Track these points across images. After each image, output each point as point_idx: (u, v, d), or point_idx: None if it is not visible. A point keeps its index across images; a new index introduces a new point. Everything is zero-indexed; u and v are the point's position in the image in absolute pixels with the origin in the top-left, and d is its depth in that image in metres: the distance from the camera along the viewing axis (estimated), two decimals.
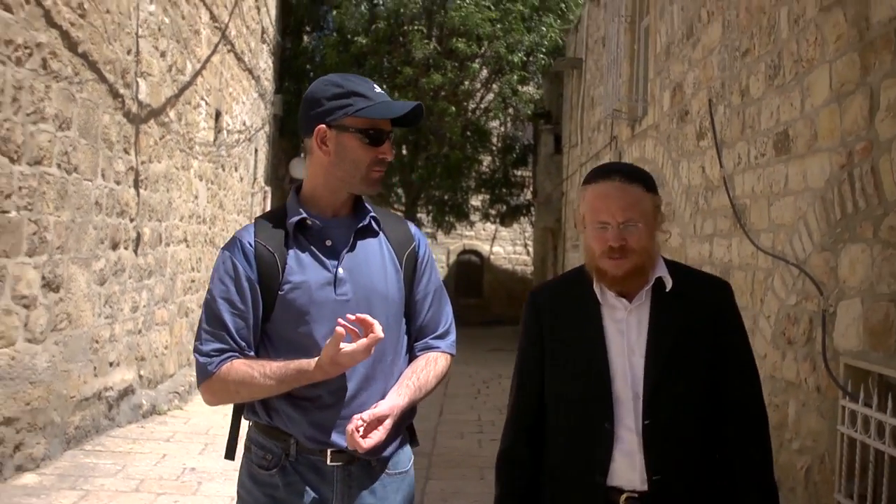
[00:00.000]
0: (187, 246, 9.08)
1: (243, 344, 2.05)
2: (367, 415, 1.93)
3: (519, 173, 19.50)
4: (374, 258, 2.12)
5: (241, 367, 2.00)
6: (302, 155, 18.05)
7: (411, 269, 2.18)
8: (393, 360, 2.12)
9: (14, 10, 4.94)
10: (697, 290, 2.11)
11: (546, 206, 17.69)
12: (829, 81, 4.82)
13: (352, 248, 2.09)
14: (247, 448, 2.13)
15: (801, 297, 4.98)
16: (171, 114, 8.17)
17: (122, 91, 6.72)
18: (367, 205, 2.17)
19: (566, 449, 2.09)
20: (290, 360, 2.00)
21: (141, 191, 7.33)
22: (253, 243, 2.06)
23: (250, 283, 2.04)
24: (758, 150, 5.93)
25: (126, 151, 6.93)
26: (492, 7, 15.07)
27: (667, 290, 2.08)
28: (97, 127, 6.29)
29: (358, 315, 1.94)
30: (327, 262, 2.07)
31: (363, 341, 1.91)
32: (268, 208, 12.32)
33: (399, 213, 20.40)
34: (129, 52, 6.85)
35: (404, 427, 2.17)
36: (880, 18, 4.23)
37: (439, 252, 27.08)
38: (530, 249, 23.01)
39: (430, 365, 2.15)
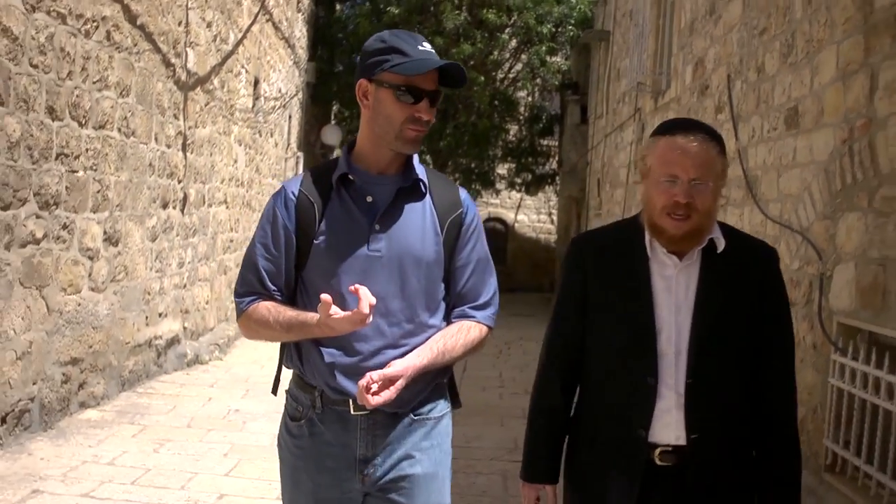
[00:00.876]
0: (227, 207, 9.58)
1: (273, 288, 2.11)
2: (378, 374, 1.96)
3: (545, 143, 19.80)
4: (414, 219, 2.11)
5: (262, 309, 2.08)
6: (333, 121, 18.48)
7: (454, 235, 2.15)
8: (425, 321, 2.12)
9: None
10: (747, 253, 2.09)
11: (571, 175, 18.00)
12: (836, 61, 5.15)
13: (392, 207, 2.09)
14: (286, 398, 2.20)
15: (804, 262, 5.36)
16: (216, 81, 8.62)
17: (173, 60, 7.18)
18: (417, 166, 2.17)
19: (605, 401, 2.09)
20: (301, 312, 2.06)
21: (188, 154, 7.81)
22: (296, 192, 2.10)
23: (286, 231, 2.09)
24: (770, 124, 6.27)
25: (175, 117, 7.41)
26: None
27: (718, 251, 2.05)
28: (152, 94, 6.76)
29: (354, 286, 1.94)
30: (365, 217, 2.08)
31: (347, 314, 1.92)
32: (300, 173, 12.73)
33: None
34: (179, 24, 7.30)
35: (433, 384, 2.16)
36: (883, 4, 4.55)
37: None
38: (554, 218, 23.34)
39: (462, 333, 2.13)
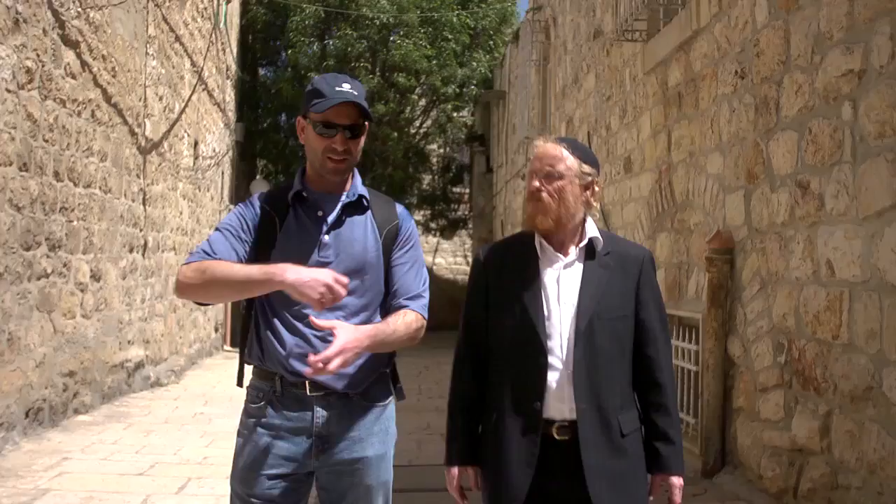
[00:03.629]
0: (175, 253, 10.98)
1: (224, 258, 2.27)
2: (321, 355, 2.11)
3: (457, 190, 21.70)
4: (357, 229, 2.37)
5: (212, 262, 2.24)
6: (258, 176, 19.96)
7: (391, 242, 2.40)
8: (369, 315, 2.37)
9: (77, 77, 6.90)
10: (626, 252, 2.38)
11: (480, 218, 19.91)
12: (650, 123, 7.04)
13: (339, 219, 2.36)
14: (247, 392, 2.42)
15: None
16: (165, 145, 10.11)
17: (136, 129, 8.67)
18: (359, 186, 2.43)
19: (507, 385, 2.30)
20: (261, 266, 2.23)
21: (147, 207, 9.26)
22: (259, 207, 2.39)
23: (252, 222, 2.36)
24: (615, 169, 8.15)
25: (138, 176, 8.87)
26: (428, 45, 17.21)
27: (597, 250, 2.33)
28: (122, 158, 8.24)
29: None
30: (316, 228, 2.35)
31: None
32: (254, 195, 14.16)
33: None
34: (140, 100, 8.81)
35: (378, 371, 2.39)
36: (674, 82, 6.44)
37: None
38: (469, 259, 25.16)
39: (399, 317, 2.34)
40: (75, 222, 7.01)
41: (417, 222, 21.59)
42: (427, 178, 20.99)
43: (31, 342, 6.14)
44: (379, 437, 2.38)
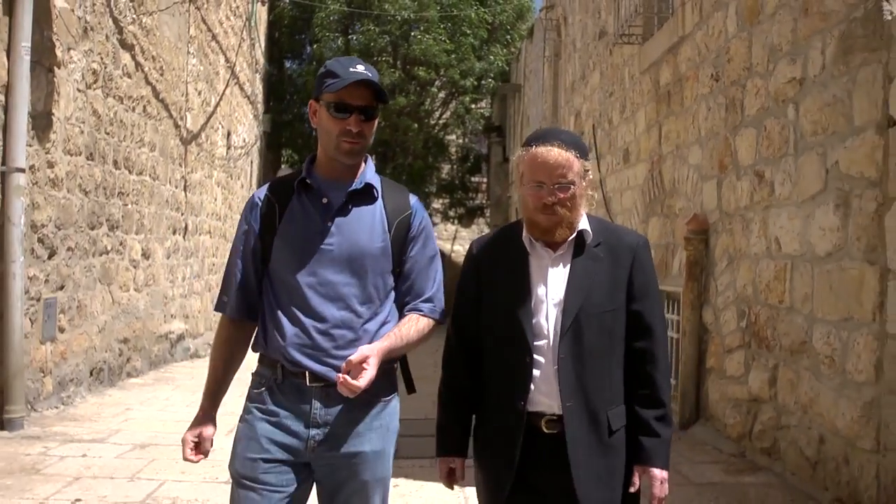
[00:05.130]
0: (210, 236, 11.85)
1: (239, 304, 2.36)
2: (347, 361, 2.15)
3: (475, 179, 22.47)
4: (364, 218, 2.31)
5: (220, 337, 2.42)
6: (283, 166, 20.85)
7: (403, 234, 2.34)
8: (373, 307, 2.31)
9: (132, 76, 7.75)
10: (617, 242, 2.31)
11: (497, 207, 20.68)
12: (645, 118, 7.77)
13: (345, 207, 2.30)
14: (252, 378, 2.39)
15: None
16: (203, 136, 10.96)
17: (179, 122, 9.53)
18: (369, 173, 2.37)
19: (495, 380, 2.29)
20: (212, 386, 2.40)
21: (188, 193, 10.13)
22: (262, 197, 2.35)
23: (253, 232, 2.34)
24: (616, 160, 8.90)
25: (180, 165, 9.73)
26: (447, 40, 17.98)
27: (587, 241, 2.28)
28: (167, 148, 9.10)
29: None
30: (320, 215, 2.29)
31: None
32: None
33: None
34: (182, 95, 9.67)
35: (383, 368, 2.27)
36: (664, 82, 7.18)
37: None
38: None
39: (412, 322, 2.32)
40: (129, 205, 7.87)
41: (436, 210, 22.43)
42: (446, 168, 21.75)
43: (94, 310, 7.00)
44: (378, 432, 2.32)
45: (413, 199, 2.41)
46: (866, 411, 3.77)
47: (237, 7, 13.33)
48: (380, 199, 2.34)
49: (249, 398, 2.34)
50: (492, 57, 18.87)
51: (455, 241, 27.22)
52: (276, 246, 2.30)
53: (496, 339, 2.29)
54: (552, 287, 2.26)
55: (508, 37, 19.33)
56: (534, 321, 2.24)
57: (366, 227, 2.30)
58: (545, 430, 2.22)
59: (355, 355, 2.14)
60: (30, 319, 5.75)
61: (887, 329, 3.63)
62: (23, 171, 5.50)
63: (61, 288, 6.31)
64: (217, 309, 2.40)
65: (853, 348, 3.89)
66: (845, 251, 3.99)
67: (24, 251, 5.54)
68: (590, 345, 2.22)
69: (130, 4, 7.67)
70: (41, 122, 5.91)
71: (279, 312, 2.28)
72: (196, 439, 2.34)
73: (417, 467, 4.76)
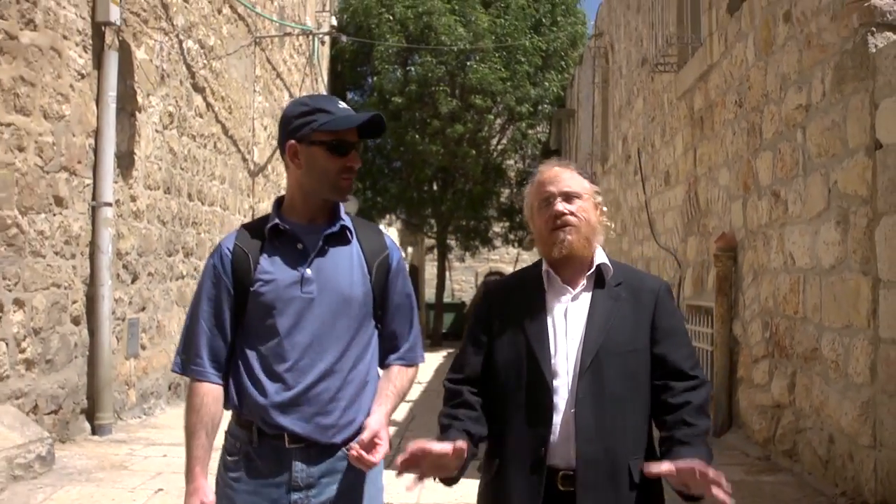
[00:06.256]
0: None
1: (210, 364, 2.19)
2: (358, 440, 2.10)
3: None
4: (342, 262, 2.23)
5: (196, 398, 2.17)
6: (348, 197, 21.59)
7: (383, 277, 2.28)
8: (357, 355, 2.23)
9: (203, 116, 8.49)
10: (638, 283, 2.19)
11: None
12: (682, 142, 8.15)
13: (322, 252, 2.21)
14: (225, 437, 2.26)
15: (675, 271, 8.25)
16: (269, 168, 11.70)
17: (246, 156, 10.26)
18: (343, 215, 2.28)
19: (513, 427, 2.12)
20: (196, 455, 2.14)
21: None
22: (231, 248, 2.22)
23: (225, 286, 2.20)
24: (659, 182, 9.26)
25: (248, 196, 10.45)
26: (502, 68, 18.54)
27: (607, 279, 2.16)
28: (236, 181, 9.82)
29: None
30: (297, 262, 2.20)
31: None
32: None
33: (431, 240, 23.80)
34: (249, 131, 10.41)
35: (364, 419, 2.21)
36: (697, 107, 7.56)
37: (468, 273, 30.54)
38: None
39: (402, 376, 2.31)
40: (202, 234, 8.56)
41: (497, 234, 22.89)
42: (505, 192, 22.24)
43: (172, 330, 7.68)
44: (364, 488, 2.23)
45: (388, 238, 2.36)
46: (864, 410, 4.10)
47: (300, 45, 14.13)
48: (355, 241, 2.27)
49: (225, 465, 2.23)
50: (547, 83, 19.36)
51: (517, 263, 27.67)
52: (252, 298, 2.18)
53: (514, 381, 2.12)
54: (571, 325, 2.12)
55: (563, 63, 19.81)
56: (553, 362, 2.09)
57: (344, 271, 2.23)
58: (561, 488, 2.04)
59: (366, 434, 2.10)
60: (116, 337, 6.43)
61: (880, 334, 3.96)
62: (110, 205, 6.20)
63: (143, 309, 6.99)
64: (182, 371, 2.23)
65: (853, 353, 4.22)
66: (845, 263, 4.34)
67: (111, 276, 6.22)
68: (611, 386, 2.06)
69: (201, 51, 8.42)
70: (125, 161, 6.62)
71: (257, 368, 2.17)
72: None
73: None
